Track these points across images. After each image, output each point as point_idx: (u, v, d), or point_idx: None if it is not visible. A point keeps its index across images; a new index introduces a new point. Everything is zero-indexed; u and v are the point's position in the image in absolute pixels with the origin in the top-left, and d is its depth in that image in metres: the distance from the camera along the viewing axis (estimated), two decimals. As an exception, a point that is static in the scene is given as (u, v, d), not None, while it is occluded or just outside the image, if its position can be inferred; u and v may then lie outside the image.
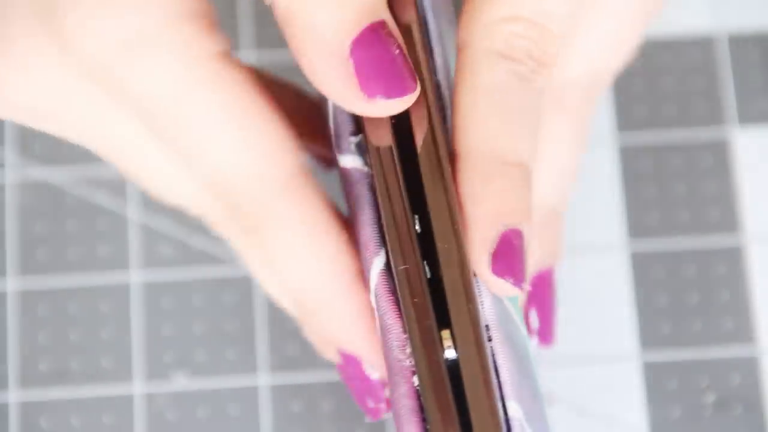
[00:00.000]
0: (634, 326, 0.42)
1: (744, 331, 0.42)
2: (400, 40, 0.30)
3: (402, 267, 0.30)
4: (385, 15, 0.30)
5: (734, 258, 0.42)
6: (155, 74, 0.31)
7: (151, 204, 0.42)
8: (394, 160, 0.31)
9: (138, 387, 0.41)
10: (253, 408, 0.41)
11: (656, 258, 0.42)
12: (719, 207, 0.43)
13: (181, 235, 0.42)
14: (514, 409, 0.30)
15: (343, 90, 0.30)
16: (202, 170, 0.32)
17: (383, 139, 0.31)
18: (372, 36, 0.30)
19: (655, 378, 0.41)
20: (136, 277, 0.42)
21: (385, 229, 0.30)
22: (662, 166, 0.43)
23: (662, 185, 0.43)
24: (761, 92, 0.44)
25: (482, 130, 0.31)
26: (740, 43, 0.44)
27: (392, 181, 0.31)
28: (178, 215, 0.41)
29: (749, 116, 0.44)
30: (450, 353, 0.29)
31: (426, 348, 0.29)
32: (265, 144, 0.32)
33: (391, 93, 0.30)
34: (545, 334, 0.38)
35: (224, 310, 0.42)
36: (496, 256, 0.30)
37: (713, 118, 0.44)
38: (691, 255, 0.43)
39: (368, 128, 0.31)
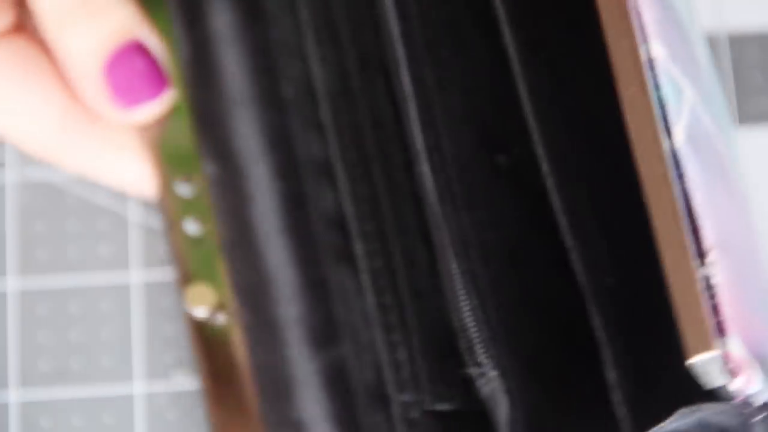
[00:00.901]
0: (634, 326, 0.42)
1: (744, 331, 0.42)
2: (157, 51, 0.36)
3: None
4: (139, 32, 0.35)
5: (734, 258, 0.42)
6: None
7: (151, 204, 0.42)
8: None
9: (138, 387, 0.41)
10: (253, 408, 0.41)
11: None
12: (719, 207, 0.43)
13: (181, 235, 0.42)
14: (657, 50, 0.30)
15: (100, 105, 0.36)
16: None
17: None
18: (121, 57, 0.35)
19: (656, 378, 0.41)
20: (136, 277, 0.42)
21: None
22: (662, 166, 0.43)
23: (662, 185, 0.43)
24: (761, 92, 0.44)
25: None
26: (740, 43, 0.44)
27: None
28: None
29: (749, 116, 0.44)
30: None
31: None
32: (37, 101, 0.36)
33: (142, 101, 0.36)
34: None
35: (224, 310, 0.42)
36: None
37: (713, 118, 0.44)
38: (691, 255, 0.42)
39: None
